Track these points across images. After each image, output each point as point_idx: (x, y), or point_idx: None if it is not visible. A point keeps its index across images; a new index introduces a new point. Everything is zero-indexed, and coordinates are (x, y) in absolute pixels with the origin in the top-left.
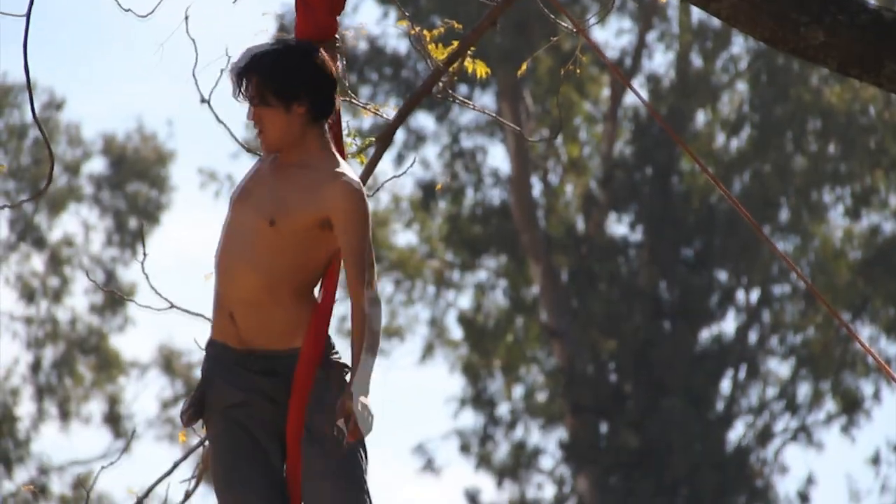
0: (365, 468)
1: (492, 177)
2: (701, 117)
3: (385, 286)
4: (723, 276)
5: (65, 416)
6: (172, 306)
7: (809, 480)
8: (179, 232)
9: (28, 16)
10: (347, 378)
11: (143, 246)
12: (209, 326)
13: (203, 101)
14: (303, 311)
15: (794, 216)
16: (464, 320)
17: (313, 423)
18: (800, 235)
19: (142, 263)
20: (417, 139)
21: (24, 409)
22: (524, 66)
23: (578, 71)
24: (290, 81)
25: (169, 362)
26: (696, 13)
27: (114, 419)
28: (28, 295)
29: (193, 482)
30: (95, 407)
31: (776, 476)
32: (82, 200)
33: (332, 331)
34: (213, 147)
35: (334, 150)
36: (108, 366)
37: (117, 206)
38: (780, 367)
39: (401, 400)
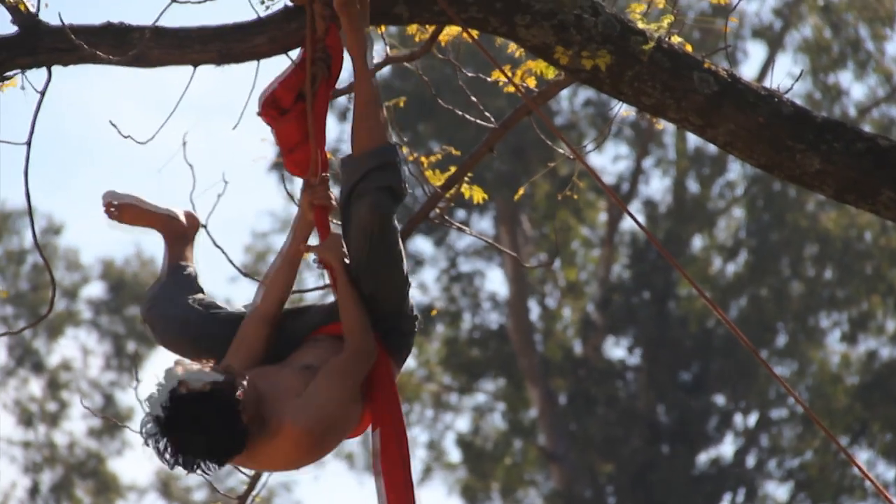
0: None
1: (489, 301)
2: (697, 242)
3: None
4: (720, 399)
5: None
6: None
7: None
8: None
9: (29, 143)
10: None
11: (137, 372)
12: None
13: (201, 225)
14: None
15: (791, 341)
16: (462, 443)
17: None
18: (797, 360)
19: (135, 389)
20: (415, 263)
21: None
22: (521, 191)
23: (576, 196)
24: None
25: (167, 486)
26: (693, 139)
27: None
28: (26, 419)
29: None
30: None
31: None
32: (81, 325)
33: None
34: (210, 270)
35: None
36: (107, 489)
37: (116, 330)
38: (778, 491)
39: None
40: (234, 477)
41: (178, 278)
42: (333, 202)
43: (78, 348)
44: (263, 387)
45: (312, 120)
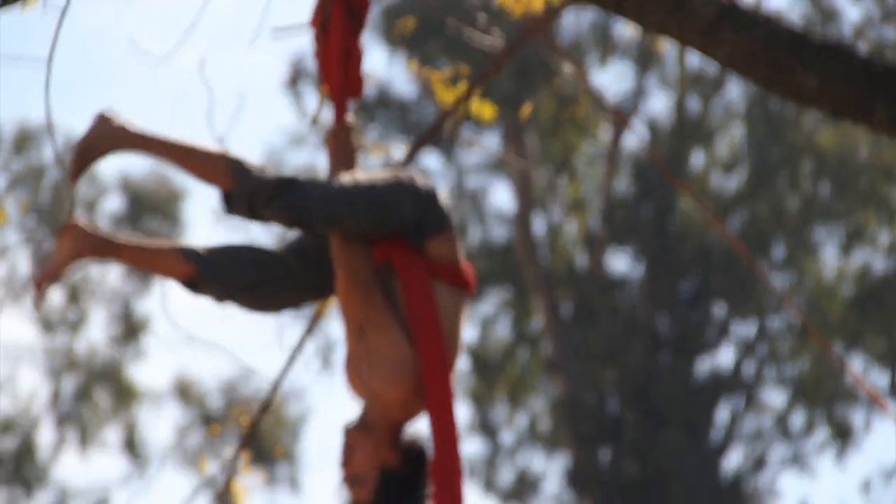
0: None
1: (496, 215)
2: (698, 160)
3: None
4: (720, 311)
5: (84, 443)
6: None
7: (804, 499)
8: None
9: (49, 61)
10: None
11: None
12: (220, 357)
13: (216, 143)
14: None
15: (788, 254)
16: (469, 351)
17: None
18: (794, 272)
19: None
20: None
21: (45, 437)
22: (527, 109)
23: (578, 113)
24: None
25: (184, 392)
26: (694, 60)
27: (131, 446)
28: (48, 327)
29: None
30: (113, 435)
31: (771, 503)
32: None
33: None
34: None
35: None
36: (126, 395)
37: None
38: (775, 398)
39: None
40: (250, 385)
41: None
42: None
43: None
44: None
45: (324, 50)
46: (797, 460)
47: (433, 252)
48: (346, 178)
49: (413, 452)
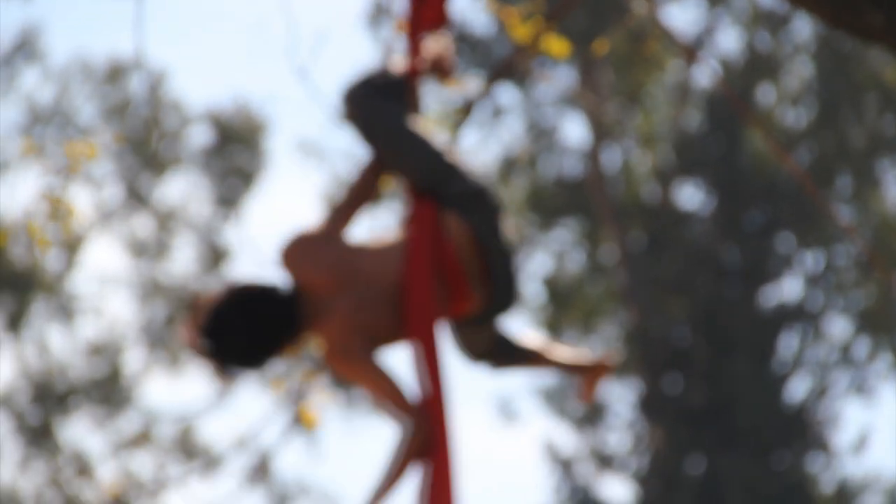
0: None
1: (569, 149)
2: (766, 95)
3: None
4: (786, 242)
5: (172, 369)
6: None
7: (865, 433)
8: (276, 198)
9: None
10: None
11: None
12: None
13: (297, 76)
14: None
15: (854, 188)
16: (543, 282)
17: None
18: (859, 206)
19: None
20: (497, 113)
21: (133, 361)
22: (602, 45)
23: (650, 48)
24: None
25: None
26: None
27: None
28: (137, 255)
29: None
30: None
31: (834, 428)
32: (186, 167)
33: None
34: (311, 120)
35: None
36: None
37: (219, 172)
38: (839, 328)
39: None
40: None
41: None
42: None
43: (184, 188)
44: None
45: None
46: (860, 388)
47: (451, 227)
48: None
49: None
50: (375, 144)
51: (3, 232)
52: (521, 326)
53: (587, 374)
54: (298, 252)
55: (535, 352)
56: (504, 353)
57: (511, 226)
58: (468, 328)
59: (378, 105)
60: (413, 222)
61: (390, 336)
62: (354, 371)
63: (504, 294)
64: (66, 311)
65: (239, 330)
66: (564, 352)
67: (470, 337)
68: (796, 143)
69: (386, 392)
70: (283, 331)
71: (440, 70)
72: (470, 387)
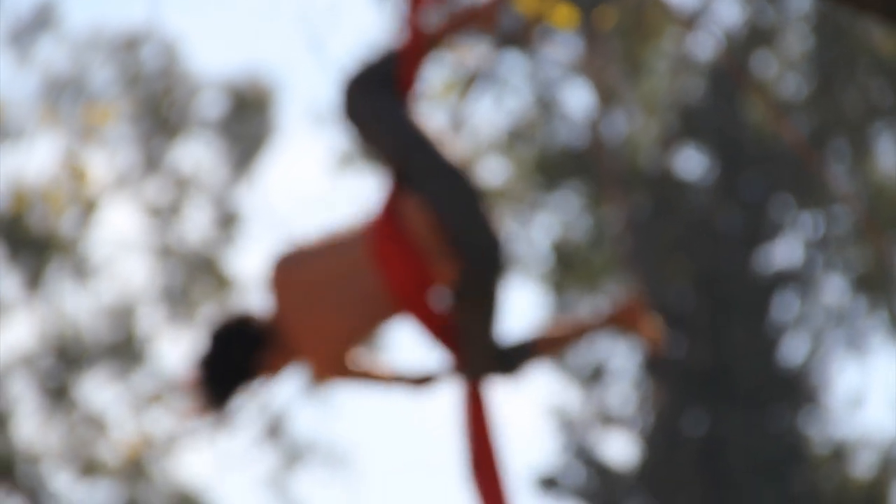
0: None
1: (573, 117)
2: (763, 63)
3: None
4: (783, 207)
5: (185, 331)
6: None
7: (860, 393)
8: (290, 165)
9: None
10: None
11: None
12: None
13: (309, 45)
14: None
15: (850, 155)
16: (551, 247)
17: None
18: (854, 173)
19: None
20: (500, 81)
21: (147, 323)
22: (609, 16)
23: (651, 19)
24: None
25: None
26: None
27: None
28: (152, 218)
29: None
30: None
31: (831, 389)
32: (200, 132)
33: None
34: (323, 88)
35: None
36: (224, 285)
37: (232, 139)
38: (837, 289)
39: None
40: None
41: None
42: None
43: (198, 156)
44: None
45: None
46: (856, 349)
47: (413, 219)
48: (424, 125)
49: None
50: (363, 133)
51: (23, 198)
52: (524, 329)
53: (624, 324)
54: (275, 280)
55: (552, 337)
56: (519, 356)
57: (486, 203)
58: (465, 336)
59: (370, 96)
60: (380, 206)
61: (373, 326)
62: (350, 376)
63: (475, 265)
64: (83, 273)
65: (215, 367)
66: (583, 318)
67: (471, 346)
68: (794, 112)
69: (390, 377)
70: (249, 361)
71: (483, 18)
72: None
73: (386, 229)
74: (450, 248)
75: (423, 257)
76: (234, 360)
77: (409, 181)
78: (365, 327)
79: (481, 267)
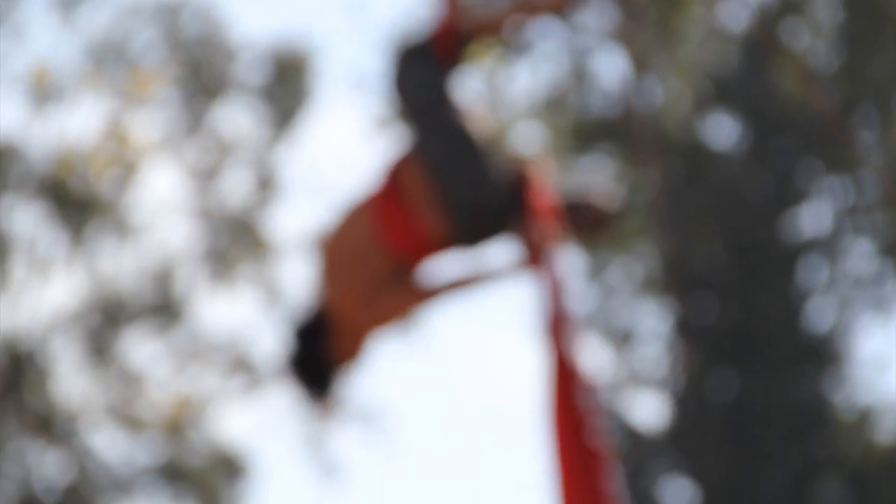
0: None
1: (607, 83)
2: (794, 32)
3: None
4: (814, 173)
5: (225, 292)
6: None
7: (886, 357)
8: (329, 130)
9: None
10: None
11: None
12: None
13: (348, 12)
14: None
15: (879, 122)
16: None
17: None
18: (883, 137)
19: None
20: (534, 49)
21: (187, 286)
22: None
23: None
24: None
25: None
26: None
27: (271, 294)
28: (193, 181)
29: None
30: (252, 284)
31: (856, 353)
32: (240, 96)
33: None
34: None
35: None
36: (262, 247)
37: (272, 102)
38: (864, 255)
39: None
40: None
41: None
42: None
43: (238, 120)
44: None
45: None
46: (882, 315)
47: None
48: (463, 111)
49: None
50: (403, 101)
51: (67, 160)
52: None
53: (578, 221)
54: (317, 268)
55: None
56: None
57: (489, 169)
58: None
59: (413, 66)
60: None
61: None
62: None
63: (470, 216)
64: (124, 233)
65: (300, 368)
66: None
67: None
68: (824, 81)
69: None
70: (321, 351)
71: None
72: (501, 308)
73: (385, 188)
74: (439, 203)
75: (419, 213)
76: (314, 355)
77: (415, 139)
78: (381, 294)
79: (468, 224)
